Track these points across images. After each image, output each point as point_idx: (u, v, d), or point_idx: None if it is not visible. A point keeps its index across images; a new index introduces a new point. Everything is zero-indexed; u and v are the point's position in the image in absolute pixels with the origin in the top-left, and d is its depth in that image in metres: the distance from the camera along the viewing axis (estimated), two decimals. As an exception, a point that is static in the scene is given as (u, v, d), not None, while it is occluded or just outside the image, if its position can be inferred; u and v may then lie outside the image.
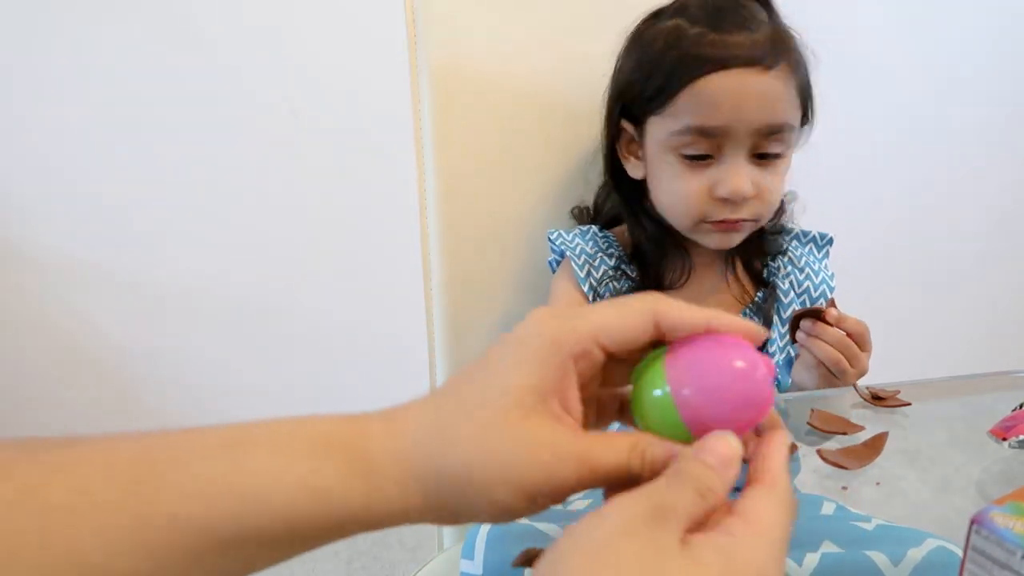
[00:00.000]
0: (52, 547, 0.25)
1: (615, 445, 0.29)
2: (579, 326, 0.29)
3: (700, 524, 0.28)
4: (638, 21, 0.77)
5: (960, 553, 0.36)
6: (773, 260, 0.83)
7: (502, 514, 0.28)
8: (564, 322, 0.30)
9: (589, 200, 0.88)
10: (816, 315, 0.69)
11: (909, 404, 0.66)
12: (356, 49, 1.35)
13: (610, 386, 0.34)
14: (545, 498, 0.28)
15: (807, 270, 0.82)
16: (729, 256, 0.83)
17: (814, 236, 0.85)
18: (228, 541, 0.27)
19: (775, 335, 0.80)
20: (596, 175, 0.86)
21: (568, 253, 0.82)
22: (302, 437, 0.28)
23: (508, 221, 0.88)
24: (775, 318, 0.81)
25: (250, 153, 1.37)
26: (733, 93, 0.69)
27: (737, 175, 0.71)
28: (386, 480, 0.28)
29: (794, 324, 0.71)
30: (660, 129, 0.74)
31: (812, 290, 0.81)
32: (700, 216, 0.75)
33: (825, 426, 0.63)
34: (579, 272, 0.81)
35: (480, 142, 0.85)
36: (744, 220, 0.75)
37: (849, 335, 0.68)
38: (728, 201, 0.72)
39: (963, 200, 1.71)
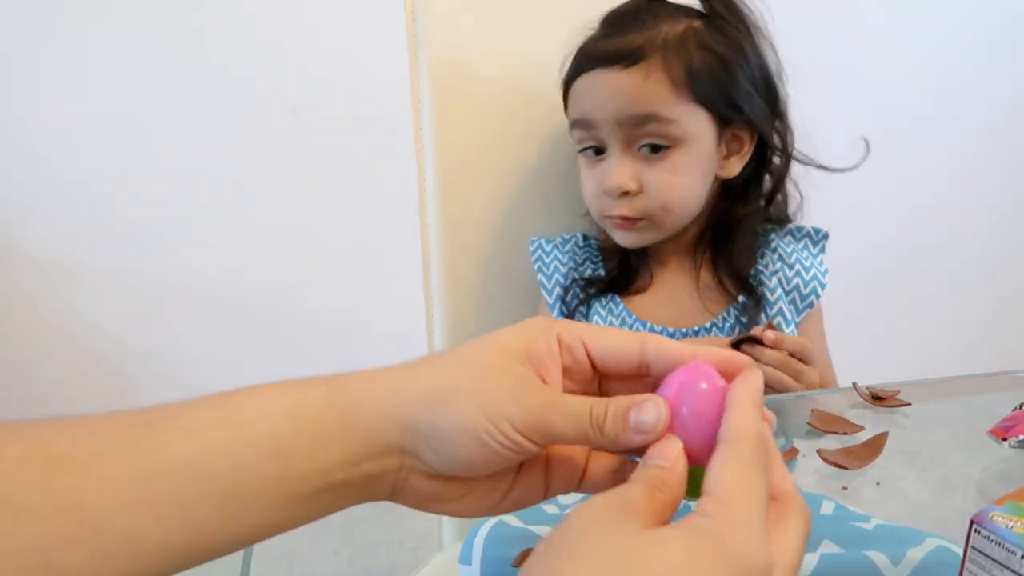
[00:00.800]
0: (58, 497, 0.26)
1: (574, 405, 0.31)
2: (570, 323, 0.33)
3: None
4: None
5: (960, 553, 0.36)
6: (761, 258, 0.81)
7: (469, 444, 0.30)
8: (556, 319, 0.34)
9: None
10: (754, 340, 0.69)
11: (909, 404, 0.66)
12: (356, 49, 1.35)
13: None
14: (506, 434, 0.29)
15: (797, 266, 0.80)
16: (697, 256, 0.82)
17: (808, 232, 0.83)
18: (221, 486, 0.28)
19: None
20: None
21: (540, 275, 0.83)
22: (291, 380, 0.31)
23: (508, 221, 0.88)
24: (763, 318, 0.79)
25: (250, 153, 1.37)
26: (591, 88, 0.75)
27: (614, 168, 0.75)
28: (362, 400, 0.30)
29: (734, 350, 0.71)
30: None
31: (802, 287, 0.80)
32: (600, 211, 0.78)
33: (825, 426, 0.62)
34: (548, 298, 0.83)
35: (480, 142, 0.85)
36: (635, 218, 0.76)
37: (790, 354, 0.69)
38: (614, 195, 0.75)
39: (963, 200, 1.70)
